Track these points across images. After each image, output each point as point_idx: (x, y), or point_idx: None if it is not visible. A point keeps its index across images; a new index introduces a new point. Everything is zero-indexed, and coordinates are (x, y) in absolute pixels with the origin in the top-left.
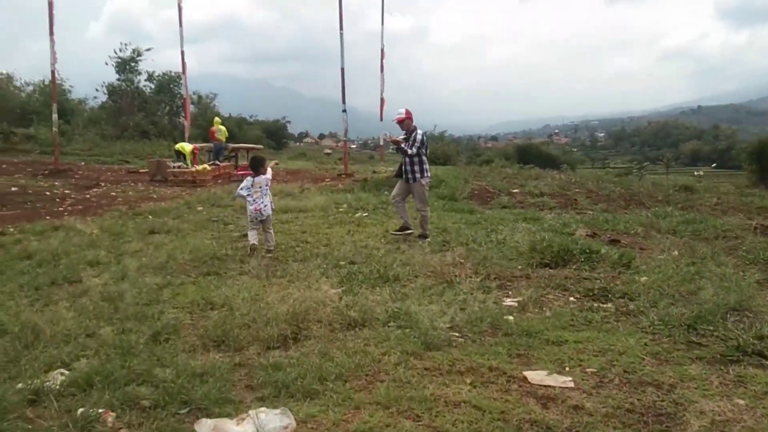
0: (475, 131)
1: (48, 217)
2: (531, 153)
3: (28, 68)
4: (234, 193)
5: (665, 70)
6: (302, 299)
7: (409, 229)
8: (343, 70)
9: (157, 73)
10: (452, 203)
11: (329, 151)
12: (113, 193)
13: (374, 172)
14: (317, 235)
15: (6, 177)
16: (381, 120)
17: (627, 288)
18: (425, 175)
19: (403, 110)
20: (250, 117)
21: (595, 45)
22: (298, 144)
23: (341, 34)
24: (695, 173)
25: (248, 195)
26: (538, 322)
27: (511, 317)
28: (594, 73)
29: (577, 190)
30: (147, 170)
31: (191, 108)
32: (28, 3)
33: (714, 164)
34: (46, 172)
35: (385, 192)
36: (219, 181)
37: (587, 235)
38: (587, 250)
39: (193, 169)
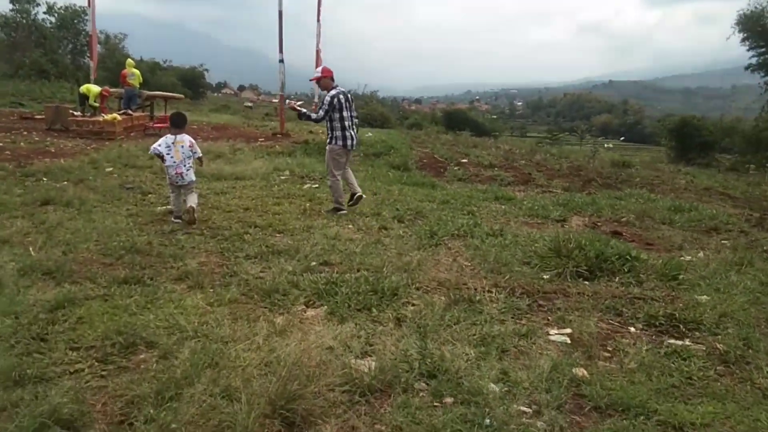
0: (399, 93)
1: None
2: (458, 118)
3: None
4: (150, 149)
5: (581, 44)
6: (288, 354)
7: (340, 209)
8: (280, 13)
9: (58, 5)
10: (407, 175)
11: (250, 104)
12: (0, 144)
13: (310, 132)
14: (266, 216)
15: None
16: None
17: (693, 314)
18: (333, 142)
19: (319, 69)
20: (164, 62)
21: (519, 13)
22: (216, 94)
23: None
24: (605, 145)
25: (168, 153)
26: (625, 383)
27: (582, 371)
28: (515, 42)
29: (522, 161)
30: (44, 116)
31: (98, 48)
32: None
33: (622, 137)
34: None
35: None
36: (132, 134)
37: (586, 225)
38: (627, 256)
39: (101, 118)
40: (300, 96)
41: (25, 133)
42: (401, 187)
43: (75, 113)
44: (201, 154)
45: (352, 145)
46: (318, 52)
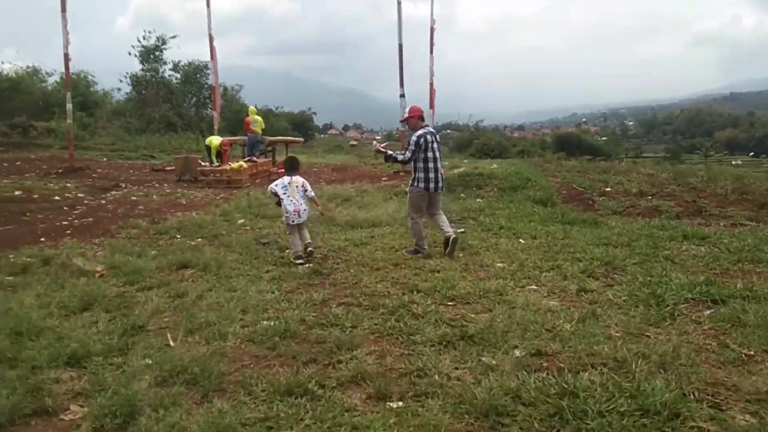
0: (501, 120)
1: (43, 239)
2: (570, 143)
3: (55, 60)
4: (267, 190)
5: (695, 57)
6: None
7: (419, 251)
8: (400, 47)
9: (182, 63)
10: (556, 210)
11: (354, 143)
12: (134, 198)
13: None
14: (422, 273)
15: (16, 177)
16: (430, 108)
17: None
18: (415, 184)
19: (408, 108)
20: (276, 108)
21: (623, 32)
22: (323, 136)
23: (399, 3)
24: (732, 162)
25: (284, 194)
26: None
27: None
28: (621, 61)
29: (673, 187)
30: (173, 168)
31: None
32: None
33: (752, 153)
34: (60, 170)
35: (462, 195)
36: (257, 180)
37: None
38: None
39: (227, 167)
40: (391, 129)
41: (156, 185)
42: (559, 227)
43: (203, 163)
44: (313, 194)
45: (435, 188)
46: (431, 85)
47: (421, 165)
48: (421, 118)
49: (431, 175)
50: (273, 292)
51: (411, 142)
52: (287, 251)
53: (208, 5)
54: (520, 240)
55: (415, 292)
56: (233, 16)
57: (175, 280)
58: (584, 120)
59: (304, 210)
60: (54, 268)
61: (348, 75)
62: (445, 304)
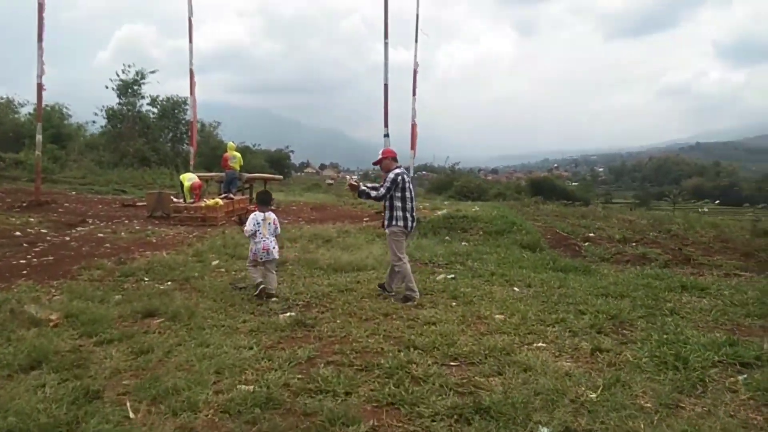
0: (475, 163)
1: None
2: (544, 187)
3: (29, 91)
4: (245, 232)
5: (663, 107)
6: None
7: (389, 291)
8: (386, 86)
9: (161, 98)
10: (545, 256)
11: (331, 181)
12: (101, 235)
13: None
14: (417, 326)
15: None
16: (411, 149)
17: None
18: (394, 222)
19: (381, 150)
20: (254, 146)
21: (594, 81)
22: (299, 174)
23: (386, 44)
24: (699, 210)
25: (257, 231)
26: None
27: None
28: (592, 109)
29: (654, 233)
30: (145, 203)
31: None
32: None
33: (717, 200)
34: (24, 204)
35: (447, 237)
36: (233, 218)
37: None
38: None
39: (203, 203)
40: (367, 169)
41: (126, 221)
42: (552, 274)
43: (175, 200)
44: (279, 232)
45: (411, 226)
46: (414, 126)
47: (399, 204)
48: (395, 159)
49: (408, 214)
50: (251, 348)
51: (388, 179)
52: (265, 297)
53: (190, 41)
54: (515, 288)
55: (411, 349)
56: (214, 54)
57: (139, 331)
58: (556, 165)
59: (273, 248)
60: (2, 315)
61: (326, 115)
62: (447, 364)
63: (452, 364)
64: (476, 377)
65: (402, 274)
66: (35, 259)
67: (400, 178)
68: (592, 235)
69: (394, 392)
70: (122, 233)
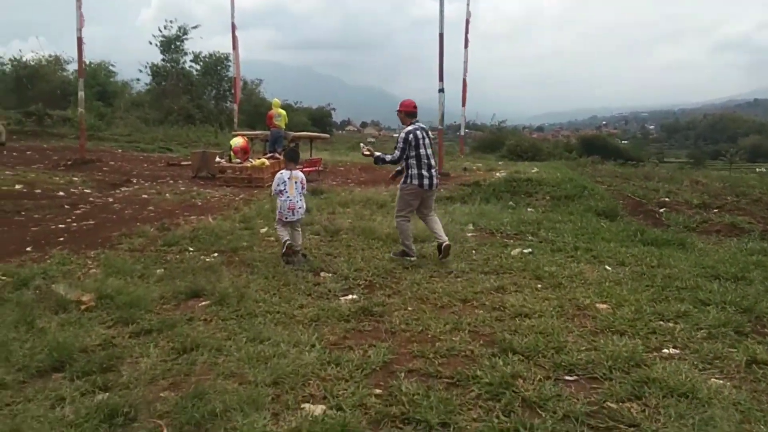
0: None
1: (29, 248)
2: (596, 145)
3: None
4: (272, 192)
5: (719, 62)
6: None
7: (408, 254)
8: (441, 36)
9: (203, 54)
10: (627, 226)
11: (372, 139)
12: (145, 196)
13: (464, 169)
14: (505, 318)
15: (22, 168)
16: (463, 106)
17: None
18: (408, 181)
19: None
20: (296, 103)
21: (645, 35)
22: (341, 132)
23: None
24: (757, 170)
25: (284, 190)
26: None
27: None
28: (644, 64)
29: (733, 198)
30: (190, 163)
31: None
32: None
33: None
34: (69, 162)
35: (510, 203)
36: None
37: None
38: None
39: (249, 164)
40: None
41: (171, 181)
42: (643, 249)
43: (219, 159)
44: (306, 191)
45: (430, 185)
46: (465, 81)
47: (413, 162)
48: (411, 115)
49: (424, 171)
50: (313, 346)
51: (399, 139)
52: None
53: None
54: (606, 267)
55: (510, 354)
56: (255, 11)
57: (182, 319)
58: (604, 122)
59: (300, 208)
60: (28, 296)
61: (366, 72)
62: (562, 379)
63: (568, 378)
64: (608, 402)
65: (399, 229)
66: (75, 224)
67: (411, 136)
68: (666, 199)
69: (505, 425)
70: (167, 194)
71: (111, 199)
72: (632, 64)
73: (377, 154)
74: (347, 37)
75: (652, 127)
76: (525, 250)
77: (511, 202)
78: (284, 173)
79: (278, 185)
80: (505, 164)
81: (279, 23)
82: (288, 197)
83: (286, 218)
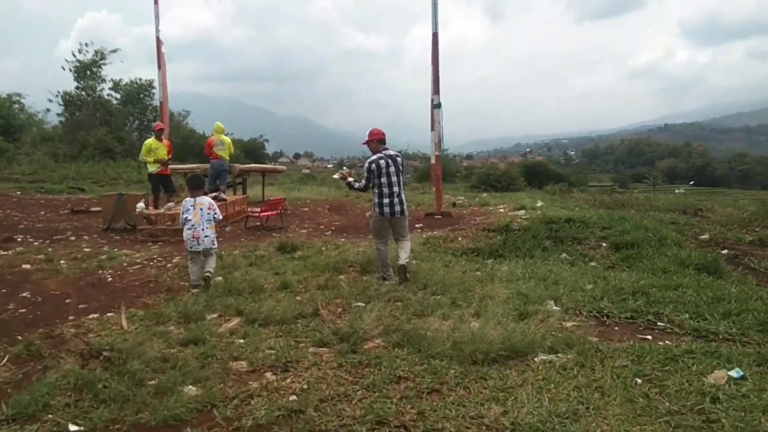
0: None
1: None
2: (538, 171)
3: None
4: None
5: (632, 89)
6: None
7: (386, 278)
8: (435, 35)
9: (124, 82)
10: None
11: (307, 170)
12: (26, 266)
13: (454, 204)
14: None
15: None
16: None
17: None
18: (374, 209)
19: (368, 131)
20: (227, 134)
21: (563, 64)
22: (273, 164)
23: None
24: (676, 191)
25: (188, 218)
26: None
27: None
28: (562, 92)
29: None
30: (101, 209)
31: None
32: (7, 18)
33: (692, 182)
34: None
35: (564, 255)
36: (227, 227)
37: None
38: None
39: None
40: (340, 158)
41: (72, 238)
42: None
43: (144, 208)
44: (221, 217)
45: (393, 213)
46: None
47: (377, 190)
48: (382, 142)
49: (386, 200)
50: None
51: (364, 168)
52: None
53: (155, 2)
54: None
55: None
56: (182, 42)
57: None
58: (529, 149)
59: (206, 237)
60: None
61: (296, 103)
62: None
63: None
64: None
65: (377, 256)
66: None
67: (374, 165)
68: (705, 237)
69: None
70: (61, 261)
71: None
72: (552, 92)
73: (350, 179)
74: (276, 68)
75: (572, 152)
76: (732, 373)
77: (564, 255)
78: (188, 201)
79: (182, 214)
80: (490, 196)
81: (206, 54)
82: (193, 225)
83: (191, 247)
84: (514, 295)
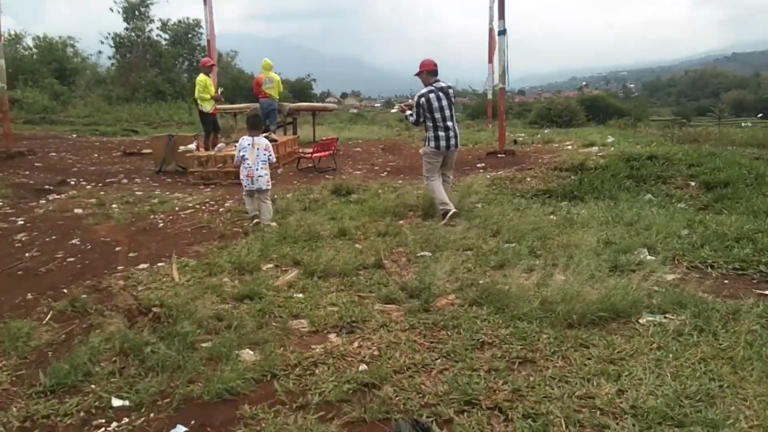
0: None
1: None
2: (598, 106)
3: (40, 24)
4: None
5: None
6: None
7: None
8: None
9: (172, 22)
10: None
11: (354, 110)
12: (78, 210)
13: (515, 142)
14: None
15: None
16: (489, 62)
17: None
18: (426, 143)
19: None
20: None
21: None
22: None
23: None
24: (743, 124)
25: (243, 156)
26: None
27: None
28: (620, 22)
29: None
30: (151, 152)
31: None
32: None
33: (760, 114)
34: None
35: (648, 195)
36: (278, 169)
37: None
38: None
39: (225, 152)
40: (388, 96)
41: (124, 181)
42: None
43: (192, 148)
44: (275, 159)
45: (447, 146)
46: (491, 31)
47: (430, 124)
48: (432, 73)
49: (441, 133)
50: None
51: (413, 103)
52: None
53: None
54: None
55: None
56: None
57: None
58: (585, 83)
59: (260, 176)
60: None
61: (343, 42)
62: None
63: None
64: None
65: (430, 190)
66: None
67: (423, 99)
68: None
69: None
70: (113, 206)
71: (21, 220)
72: (609, 22)
73: (408, 112)
74: (322, 5)
75: (632, 85)
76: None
77: (649, 195)
78: (245, 139)
79: (239, 152)
80: (554, 132)
81: None
82: (248, 164)
83: (246, 186)
84: (601, 243)
